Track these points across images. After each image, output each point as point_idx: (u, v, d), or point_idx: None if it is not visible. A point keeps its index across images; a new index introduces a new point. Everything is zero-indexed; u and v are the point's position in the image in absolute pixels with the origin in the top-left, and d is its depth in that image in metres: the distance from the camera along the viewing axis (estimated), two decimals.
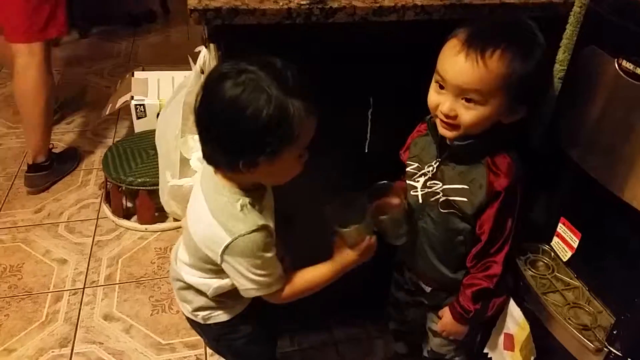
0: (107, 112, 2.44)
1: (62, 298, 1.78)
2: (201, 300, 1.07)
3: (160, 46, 3.64)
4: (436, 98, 0.95)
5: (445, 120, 0.94)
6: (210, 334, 1.16)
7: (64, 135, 2.63)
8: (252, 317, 1.12)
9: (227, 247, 0.91)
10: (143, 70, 2.58)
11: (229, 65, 0.85)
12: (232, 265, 0.94)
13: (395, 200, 1.06)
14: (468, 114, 0.92)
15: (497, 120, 0.95)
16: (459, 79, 0.90)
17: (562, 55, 0.99)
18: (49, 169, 2.28)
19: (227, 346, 1.19)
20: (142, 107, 2.33)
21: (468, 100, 0.91)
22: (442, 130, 0.97)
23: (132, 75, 2.47)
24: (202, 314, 1.09)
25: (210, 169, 0.94)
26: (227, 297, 1.06)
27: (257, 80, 0.82)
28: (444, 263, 1.09)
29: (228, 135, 0.84)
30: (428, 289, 1.17)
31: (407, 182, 1.09)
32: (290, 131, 0.83)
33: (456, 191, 1.00)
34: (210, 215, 0.92)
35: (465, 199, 0.99)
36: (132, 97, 2.33)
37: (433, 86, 0.96)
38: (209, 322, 1.10)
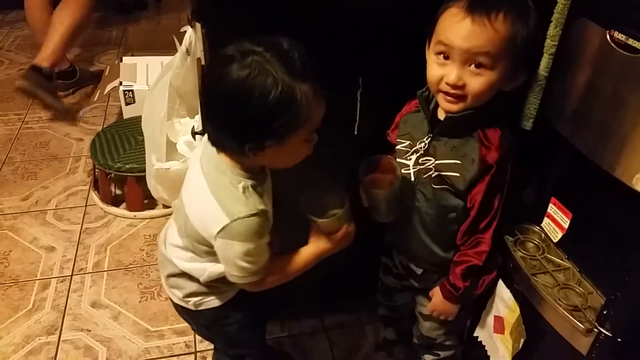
0: (95, 99, 2.41)
1: (49, 286, 1.76)
2: (193, 286, 1.05)
3: (150, 32, 3.60)
4: (439, 71, 0.93)
5: (452, 91, 0.93)
6: (201, 320, 1.13)
7: (52, 123, 2.60)
8: (243, 303, 1.10)
9: (223, 228, 0.89)
10: (132, 55, 2.55)
11: (233, 47, 0.83)
12: (224, 248, 0.92)
13: (388, 176, 1.04)
14: (477, 81, 0.91)
15: (500, 88, 0.94)
16: (468, 43, 0.88)
17: (553, 30, 0.96)
18: (75, 75, 2.76)
19: (218, 332, 1.17)
20: (130, 92, 2.30)
21: (477, 66, 0.90)
22: (447, 105, 0.95)
23: (121, 60, 2.43)
24: (193, 300, 1.07)
25: (213, 149, 0.92)
26: (220, 282, 1.03)
27: (263, 63, 0.79)
28: (436, 242, 1.07)
29: (234, 119, 0.83)
30: (419, 271, 1.15)
31: (399, 160, 1.07)
32: (297, 115, 0.81)
33: (448, 166, 0.99)
34: (210, 195, 0.90)
35: (457, 174, 0.98)
36: (120, 83, 2.30)
37: (434, 59, 0.94)
38: (200, 308, 1.08)
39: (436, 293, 1.12)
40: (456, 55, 0.90)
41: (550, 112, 1.01)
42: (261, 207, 0.89)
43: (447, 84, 0.92)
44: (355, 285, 1.42)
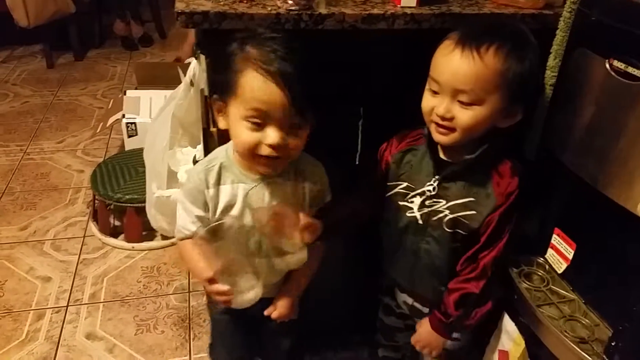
0: (98, 131, 2.42)
1: (44, 316, 1.73)
2: None
3: (155, 67, 3.65)
4: (431, 102, 0.93)
5: (441, 123, 0.92)
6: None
7: (53, 154, 2.61)
8: (232, 315, 1.13)
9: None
10: (136, 89, 2.58)
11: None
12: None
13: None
14: (465, 115, 0.89)
15: (494, 124, 0.92)
16: (455, 78, 0.88)
17: (552, 62, 0.97)
18: None
19: (212, 324, 1.23)
20: (133, 125, 2.31)
21: (464, 103, 0.88)
22: (437, 136, 0.94)
23: (124, 94, 2.46)
24: None
25: None
26: None
27: (254, 37, 0.87)
28: (446, 284, 1.04)
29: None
30: (426, 310, 1.12)
31: (399, 202, 1.05)
32: (230, 73, 0.86)
33: (463, 205, 0.97)
34: None
35: (473, 212, 0.96)
36: (123, 116, 2.32)
37: (427, 92, 0.95)
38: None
39: (423, 323, 1.08)
40: (445, 88, 0.90)
41: (553, 142, 1.01)
42: (203, 176, 0.95)
43: (437, 115, 0.92)
44: (356, 324, 1.40)
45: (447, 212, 0.98)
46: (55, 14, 3.41)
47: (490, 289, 1.01)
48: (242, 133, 0.87)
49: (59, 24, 3.52)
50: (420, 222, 1.01)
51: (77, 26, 3.66)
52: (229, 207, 0.96)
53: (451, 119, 0.90)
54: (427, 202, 1.00)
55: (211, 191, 0.95)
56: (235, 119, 0.88)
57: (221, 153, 0.98)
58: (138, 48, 3.94)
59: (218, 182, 0.95)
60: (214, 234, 0.96)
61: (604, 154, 0.86)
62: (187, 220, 0.99)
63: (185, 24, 1.03)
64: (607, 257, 0.95)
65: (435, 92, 0.92)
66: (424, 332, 1.07)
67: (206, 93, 1.23)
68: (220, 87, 0.89)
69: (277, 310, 1.06)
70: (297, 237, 0.91)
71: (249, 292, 0.95)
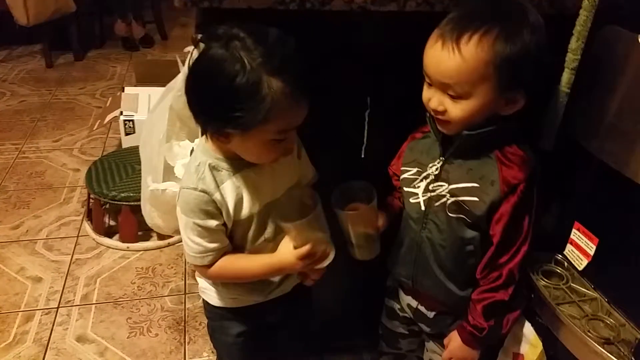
0: (95, 128, 2.37)
1: (33, 318, 1.66)
2: None
3: (154, 66, 3.61)
4: (427, 93, 0.89)
5: (435, 116, 0.89)
6: (206, 311, 1.10)
7: (49, 153, 2.55)
8: (246, 323, 1.05)
9: (178, 196, 0.91)
10: (135, 86, 2.52)
11: (225, 28, 0.81)
12: (178, 218, 0.92)
13: (369, 212, 0.96)
14: (456, 109, 0.85)
15: (494, 112, 0.87)
16: (439, 72, 0.84)
17: (575, 44, 0.91)
18: None
19: (216, 337, 1.12)
20: (131, 122, 2.25)
21: (453, 96, 0.84)
22: (439, 126, 0.91)
23: (123, 90, 2.41)
24: (201, 283, 1.05)
25: None
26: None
27: (240, 49, 0.78)
28: (452, 278, 0.97)
29: (200, 96, 0.83)
30: (431, 314, 1.05)
31: (405, 189, 1.00)
32: (259, 108, 0.78)
33: (465, 190, 0.91)
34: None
35: (475, 198, 0.90)
36: (121, 113, 2.26)
37: (425, 81, 0.90)
38: (203, 296, 1.05)
39: (453, 338, 1.00)
40: (434, 81, 0.86)
41: (576, 128, 0.95)
42: (202, 186, 0.87)
43: (431, 107, 0.89)
44: (360, 328, 1.34)
45: (448, 195, 0.93)
46: (55, 13, 3.37)
47: (519, 294, 0.94)
48: (265, 152, 0.86)
49: (59, 23, 3.49)
50: (423, 208, 0.96)
51: (77, 26, 3.63)
52: (239, 201, 0.90)
53: (444, 112, 0.87)
54: (430, 186, 0.95)
55: (217, 195, 0.89)
56: (256, 143, 0.84)
57: (200, 158, 0.91)
58: (139, 49, 3.90)
59: (217, 184, 0.89)
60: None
61: (634, 137, 0.79)
62: (205, 243, 0.91)
63: (184, 2, 0.97)
64: (633, 252, 0.89)
65: (429, 84, 0.88)
66: (456, 349, 0.99)
67: None
68: (228, 119, 0.80)
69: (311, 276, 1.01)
70: (375, 231, 0.96)
71: (331, 252, 0.94)
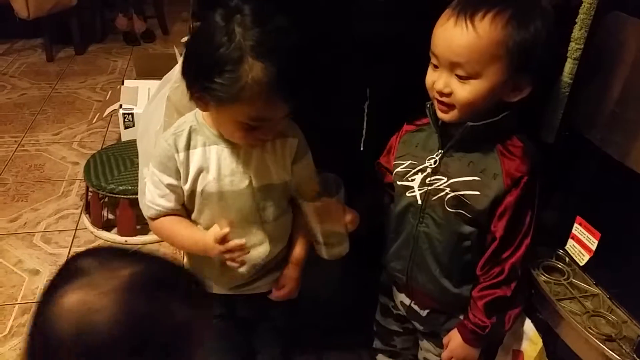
0: (94, 121, 2.35)
1: (29, 311, 1.64)
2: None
3: (155, 59, 3.60)
4: (432, 76, 0.88)
5: (439, 99, 0.87)
6: None
7: (49, 146, 2.53)
8: (218, 310, 1.03)
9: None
10: (135, 79, 2.51)
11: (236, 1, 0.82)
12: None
13: (334, 206, 0.92)
14: (463, 91, 0.83)
15: (499, 98, 0.85)
16: (450, 49, 0.82)
17: (578, 33, 0.89)
18: None
19: None
20: (130, 116, 2.24)
21: (461, 76, 0.83)
22: (439, 113, 0.89)
23: (122, 84, 2.39)
24: None
25: None
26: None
27: (237, 24, 0.78)
28: (447, 275, 0.96)
29: (189, 56, 0.85)
30: (424, 312, 1.03)
31: (399, 183, 0.98)
32: (232, 87, 0.78)
33: (466, 184, 0.89)
34: None
35: (477, 192, 0.88)
36: (120, 106, 2.24)
37: (430, 66, 0.89)
38: None
39: (453, 337, 0.97)
40: (442, 61, 0.84)
41: (578, 118, 0.93)
42: (172, 141, 0.89)
43: (436, 90, 0.87)
44: (357, 325, 1.31)
45: (447, 189, 0.91)
46: (56, 6, 3.35)
47: (520, 290, 0.92)
48: (236, 132, 0.86)
49: (60, 17, 3.46)
50: (420, 202, 0.94)
51: (78, 20, 3.60)
52: (200, 172, 0.90)
53: (449, 94, 0.85)
54: (427, 180, 0.93)
55: (181, 155, 0.89)
56: (228, 120, 0.85)
57: (189, 117, 0.93)
58: (140, 43, 3.88)
59: (188, 146, 0.89)
60: (190, 204, 0.93)
61: (638, 126, 0.77)
62: (156, 195, 0.92)
63: None
64: (635, 248, 0.87)
65: (435, 66, 0.87)
66: (457, 348, 0.97)
67: None
68: (205, 87, 0.81)
69: (285, 288, 1.02)
70: (342, 228, 0.93)
71: (260, 246, 0.95)
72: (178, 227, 0.93)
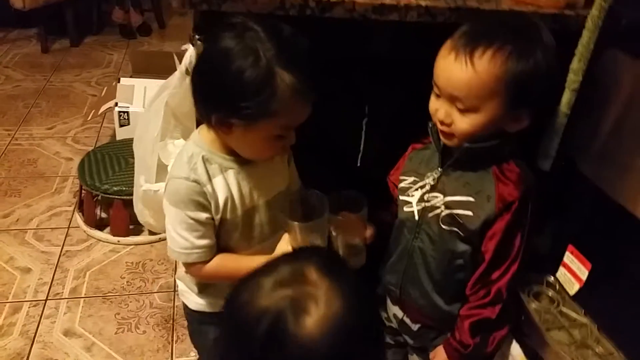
0: (89, 118, 2.34)
1: (20, 310, 1.64)
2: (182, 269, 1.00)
3: (151, 56, 3.57)
4: (434, 104, 0.89)
5: (440, 128, 0.89)
6: (185, 313, 1.09)
7: (42, 141, 2.52)
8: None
9: (165, 187, 0.90)
10: (131, 77, 2.49)
11: (240, 18, 0.81)
12: (165, 211, 0.91)
13: (357, 222, 0.94)
14: (462, 122, 0.85)
15: (499, 128, 0.87)
16: (450, 84, 0.84)
17: (576, 65, 0.90)
18: None
19: (197, 340, 1.12)
20: (125, 114, 2.23)
21: (461, 109, 0.84)
22: (442, 138, 0.91)
23: (118, 81, 2.38)
24: (181, 286, 1.03)
25: None
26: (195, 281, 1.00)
27: (254, 41, 0.78)
28: (439, 291, 0.97)
29: (208, 84, 0.82)
30: (415, 327, 1.05)
31: (400, 197, 0.99)
32: (268, 101, 0.78)
33: (461, 204, 0.90)
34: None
35: (470, 213, 0.89)
36: (116, 104, 2.23)
37: (433, 93, 0.90)
38: (182, 299, 1.05)
39: (438, 353, 0.99)
40: (443, 93, 0.86)
41: (573, 150, 0.94)
42: (194, 176, 0.86)
43: (437, 119, 0.88)
44: None
45: (442, 207, 0.92)
46: None
47: (506, 313, 0.93)
48: (264, 148, 0.86)
49: (55, 7, 3.43)
50: (416, 217, 0.95)
51: (74, 11, 3.56)
52: (227, 198, 0.89)
53: (450, 124, 0.87)
54: (425, 197, 0.95)
55: (209, 187, 0.87)
56: (258, 137, 0.84)
57: (193, 149, 0.90)
58: (136, 37, 3.85)
59: (209, 177, 0.88)
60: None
61: (630, 165, 0.79)
62: (193, 238, 0.89)
63: (182, 4, 0.96)
64: (625, 279, 0.88)
65: (438, 95, 0.88)
66: None
67: None
68: (235, 109, 0.80)
69: None
70: (362, 242, 0.93)
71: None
72: (243, 262, 0.91)
